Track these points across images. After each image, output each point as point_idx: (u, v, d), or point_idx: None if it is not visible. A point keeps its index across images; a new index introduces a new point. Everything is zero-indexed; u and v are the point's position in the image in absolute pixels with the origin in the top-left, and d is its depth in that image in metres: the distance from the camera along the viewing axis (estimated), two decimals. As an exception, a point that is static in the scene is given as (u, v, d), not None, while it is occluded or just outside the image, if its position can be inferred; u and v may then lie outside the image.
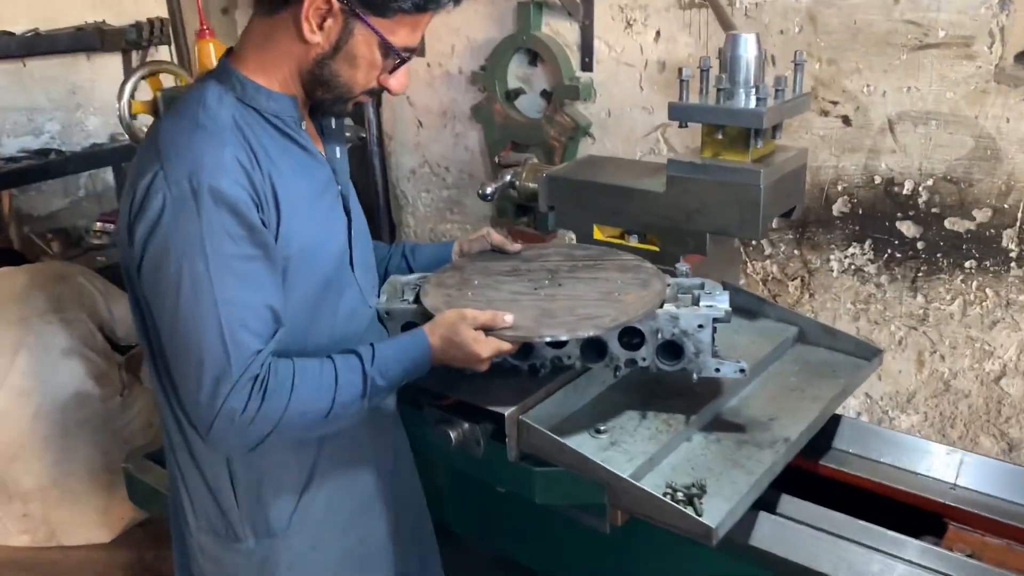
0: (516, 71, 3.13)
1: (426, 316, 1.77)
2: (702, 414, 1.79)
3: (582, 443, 1.69)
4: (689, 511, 1.52)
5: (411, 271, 1.99)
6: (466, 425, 1.75)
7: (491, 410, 1.68)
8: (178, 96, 1.56)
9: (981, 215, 2.41)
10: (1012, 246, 2.39)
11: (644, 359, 1.73)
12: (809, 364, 1.97)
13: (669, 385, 1.82)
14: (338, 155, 1.72)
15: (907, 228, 2.54)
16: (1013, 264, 2.40)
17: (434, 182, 3.52)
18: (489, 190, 2.30)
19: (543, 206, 2.22)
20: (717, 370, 1.71)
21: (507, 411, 1.68)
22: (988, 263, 2.43)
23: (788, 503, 1.65)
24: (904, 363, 2.64)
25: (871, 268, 2.63)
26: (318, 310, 1.61)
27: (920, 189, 2.49)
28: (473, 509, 2.07)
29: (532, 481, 1.71)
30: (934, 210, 2.48)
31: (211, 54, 2.44)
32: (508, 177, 2.34)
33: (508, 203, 3.20)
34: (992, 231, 2.41)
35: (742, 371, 1.71)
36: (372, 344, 1.59)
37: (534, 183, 2.26)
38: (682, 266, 1.91)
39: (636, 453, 1.66)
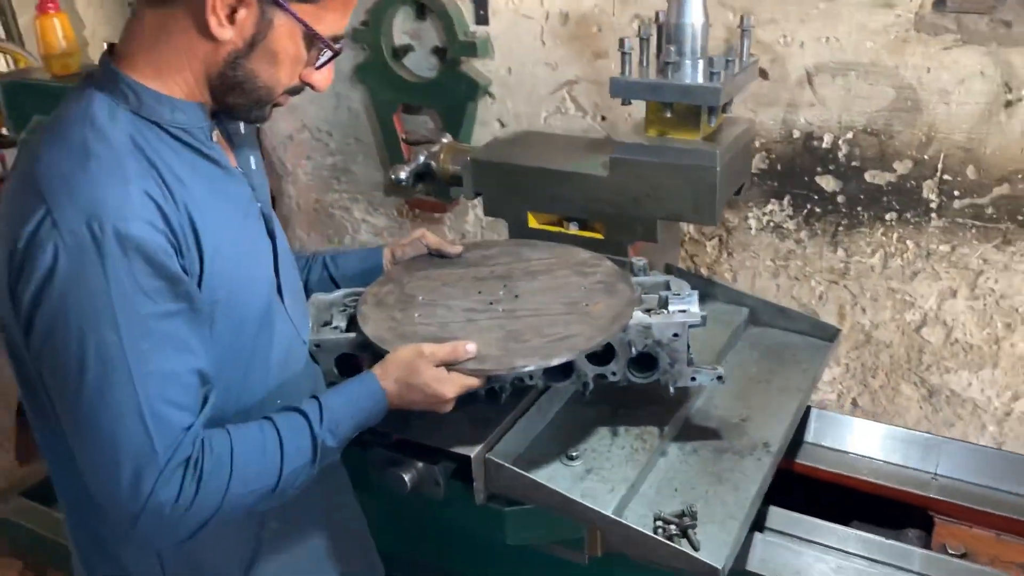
0: (403, 26, 2.81)
1: (365, 347, 1.52)
2: (674, 423, 1.63)
3: (555, 474, 1.51)
4: (686, 547, 1.37)
5: (335, 284, 1.73)
6: (421, 465, 1.53)
7: (454, 452, 1.47)
8: (58, 116, 1.22)
9: (902, 167, 2.33)
10: (932, 197, 2.32)
11: (614, 373, 1.55)
12: (767, 349, 1.84)
13: (632, 389, 1.65)
14: (253, 165, 1.42)
15: (827, 183, 2.44)
16: (933, 215, 2.34)
17: (316, 148, 3.18)
18: (403, 175, 2.03)
19: (469, 193, 1.97)
20: (693, 379, 1.55)
21: (472, 451, 1.47)
22: (909, 215, 2.37)
23: (776, 516, 1.53)
24: (825, 317, 2.57)
25: (790, 224, 2.53)
26: (252, 358, 1.33)
27: (840, 142, 2.38)
28: (429, 542, 1.86)
29: (503, 522, 1.52)
30: (854, 163, 2.38)
31: (58, 33, 2.02)
32: (422, 158, 2.07)
33: (401, 170, 2.93)
34: (913, 183, 2.33)
35: (720, 379, 1.56)
36: (317, 398, 1.33)
37: (455, 165, 2.01)
38: (639, 261, 1.73)
39: (616, 480, 1.50)
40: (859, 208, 2.42)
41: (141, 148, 1.19)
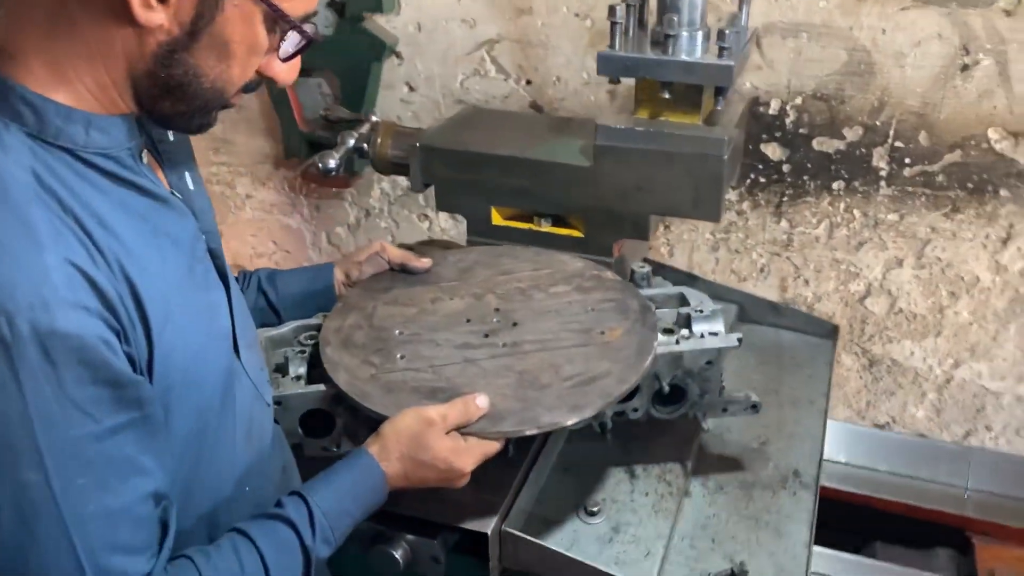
0: (292, -25, 2.36)
1: (339, 400, 1.19)
2: (693, 456, 1.40)
3: (577, 537, 1.24)
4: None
5: (273, 311, 1.36)
6: (414, 539, 1.22)
7: (468, 529, 1.16)
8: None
9: (852, 134, 2.16)
10: (882, 165, 2.17)
11: (636, 410, 1.28)
12: (762, 352, 1.63)
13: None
14: (190, 184, 1.03)
15: (772, 151, 2.24)
16: (883, 183, 2.19)
17: (189, 116, 2.69)
18: (332, 164, 1.66)
19: (417, 184, 1.63)
20: (725, 410, 1.31)
21: (488, 525, 1.17)
22: (857, 183, 2.21)
23: (819, 557, 1.33)
24: (767, 290, 2.40)
25: (732, 195, 2.32)
26: (216, 445, 0.97)
27: (788, 108, 2.18)
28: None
29: (519, 598, 1.24)
30: (802, 130, 2.19)
31: None
32: (351, 142, 1.70)
33: (297, 137, 2.51)
34: (862, 150, 2.17)
35: (754, 407, 1.32)
36: (303, 497, 0.99)
37: (397, 151, 1.65)
38: (641, 268, 1.46)
39: (648, 539, 1.24)
40: (805, 177, 2.24)
41: (51, 190, 0.80)
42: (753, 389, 1.56)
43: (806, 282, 2.36)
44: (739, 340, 1.26)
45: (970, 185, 2.11)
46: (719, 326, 1.29)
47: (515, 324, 1.27)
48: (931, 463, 1.50)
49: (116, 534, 0.81)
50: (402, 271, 1.41)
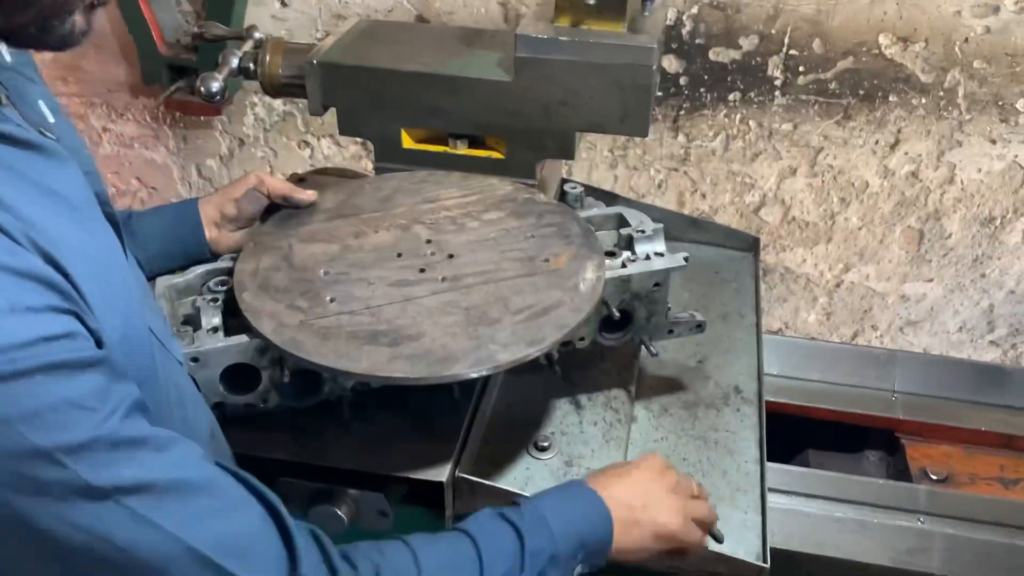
0: None
1: (263, 352, 1.05)
2: (635, 381, 1.34)
3: (531, 475, 1.16)
4: (719, 547, 1.10)
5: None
6: (355, 492, 1.11)
7: (425, 480, 1.06)
8: None
9: (747, 43, 2.12)
10: (777, 74, 2.14)
11: (583, 339, 1.21)
12: (687, 268, 1.58)
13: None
14: (49, 116, 0.85)
15: (669, 63, 2.17)
16: (777, 93, 2.17)
17: (27, 40, 2.37)
18: (216, 86, 1.46)
19: (316, 107, 1.46)
20: (671, 332, 1.26)
21: (442, 473, 1.07)
22: (752, 94, 2.18)
23: (771, 472, 1.30)
24: (665, 204, 2.37)
25: (629, 109, 2.26)
26: (157, 420, 0.82)
27: (684, 18, 2.11)
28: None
29: (475, 543, 1.15)
30: (698, 41, 2.13)
31: None
32: (235, 62, 1.50)
33: (156, 61, 2.25)
34: (758, 59, 2.13)
35: (699, 327, 1.27)
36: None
37: (291, 70, 1.47)
38: (574, 189, 1.37)
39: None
40: (702, 90, 2.20)
41: None
42: (684, 308, 1.51)
43: (703, 195, 2.34)
44: (686, 259, 1.20)
45: (861, 92, 2.12)
46: (662, 246, 1.22)
47: (451, 256, 1.16)
48: (859, 369, 1.51)
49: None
50: (285, 205, 1.26)
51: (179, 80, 2.30)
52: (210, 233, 1.24)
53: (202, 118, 2.41)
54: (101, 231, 0.79)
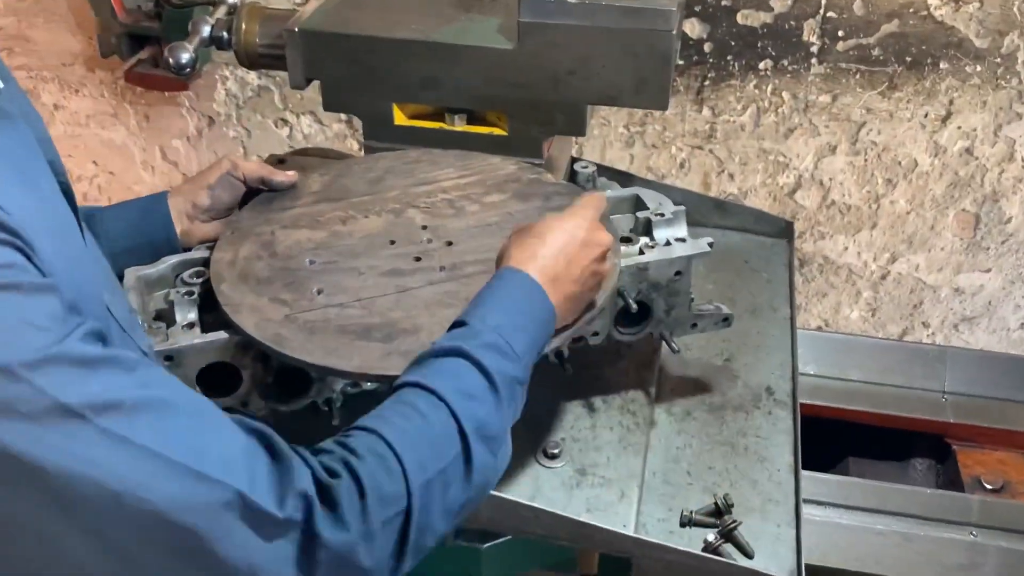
0: None
1: (245, 349, 1.10)
2: (655, 380, 1.38)
3: (540, 485, 1.20)
4: (745, 562, 1.15)
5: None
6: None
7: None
8: None
9: (780, 4, 2.15)
10: (814, 39, 2.18)
11: (596, 334, 1.25)
12: (712, 256, 1.61)
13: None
14: None
15: (692, 28, 2.21)
16: (814, 60, 2.20)
17: (-29, 7, 2.42)
18: (186, 57, 1.50)
19: (297, 80, 1.50)
20: (694, 326, 1.30)
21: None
22: (786, 62, 2.22)
23: (806, 482, 1.34)
24: (688, 187, 2.40)
25: (647, 80, 2.30)
26: None
27: (708, -24, 2.16)
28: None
29: (478, 561, 1.20)
30: (724, 2, 2.17)
31: None
32: (207, 29, 1.54)
33: (115, 30, 2.29)
34: (792, 23, 2.17)
35: (726, 320, 1.31)
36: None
37: (269, 39, 1.52)
38: (585, 168, 1.41)
39: (620, 479, 1.22)
40: (729, 57, 2.23)
41: None
42: (709, 300, 1.56)
43: (731, 176, 2.38)
44: (710, 245, 1.24)
45: (908, 59, 2.15)
46: (683, 230, 1.26)
47: (450, 243, 1.20)
48: (905, 368, 1.55)
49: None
50: (263, 189, 1.30)
51: (141, 51, 2.34)
52: (181, 226, 1.28)
53: (167, 94, 2.46)
54: (53, 199, 0.84)
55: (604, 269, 1.07)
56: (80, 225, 0.91)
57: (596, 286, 1.07)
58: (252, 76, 2.41)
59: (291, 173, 1.34)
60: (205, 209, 1.29)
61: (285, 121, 2.48)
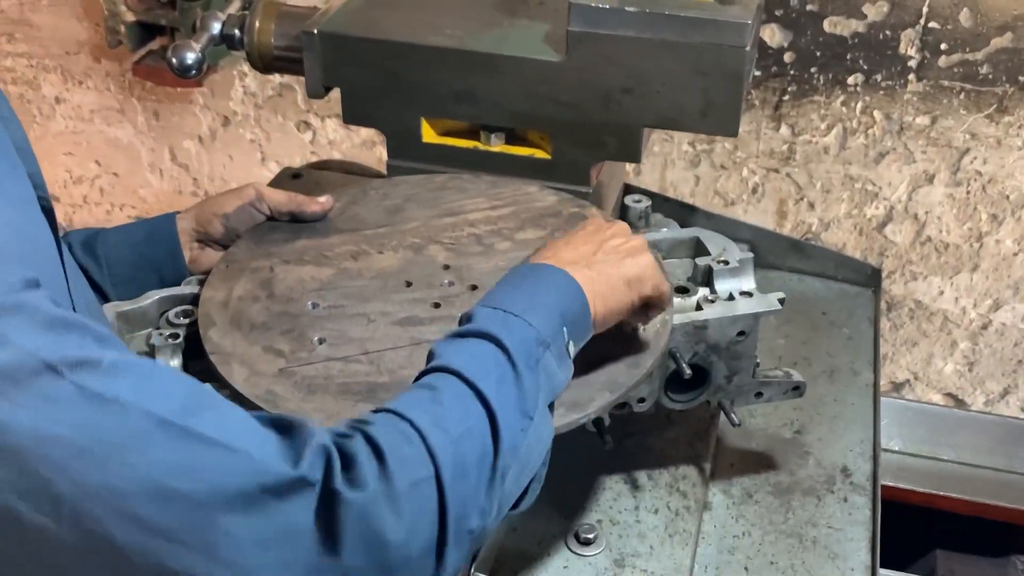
0: None
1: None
2: (711, 454, 1.31)
3: (572, 575, 1.14)
4: None
5: (97, 290, 1.20)
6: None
7: None
8: None
9: (874, 11, 2.08)
10: (912, 52, 2.11)
11: (643, 400, 1.18)
12: (784, 306, 1.55)
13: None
14: None
15: (771, 35, 2.15)
16: (912, 77, 2.13)
17: (-33, -12, 2.43)
18: (191, 58, 1.46)
19: (315, 87, 1.45)
20: (760, 395, 1.23)
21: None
22: (879, 77, 2.15)
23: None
24: (760, 216, 2.35)
25: (718, 92, 2.24)
26: None
27: (792, -23, 2.10)
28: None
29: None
30: (810, 7, 2.11)
31: None
32: (217, 26, 1.50)
33: (124, 18, 2.29)
34: (887, 33, 2.10)
35: (797, 389, 1.24)
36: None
37: (285, 40, 1.47)
38: (638, 203, 1.35)
39: (663, 571, 1.14)
40: (813, 70, 2.17)
41: None
42: (778, 358, 1.49)
43: (811, 205, 2.32)
44: (781, 302, 1.17)
45: (1021, 78, 2.07)
46: (751, 282, 1.19)
47: (474, 287, 1.14)
48: (1006, 447, 1.46)
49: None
50: (290, 220, 1.26)
51: (151, 41, 2.33)
52: (190, 253, 1.25)
53: (178, 89, 2.45)
54: (28, 210, 0.81)
55: (632, 244, 1.04)
56: (60, 249, 0.88)
57: (626, 257, 1.03)
58: (274, 75, 2.38)
59: (325, 199, 1.29)
60: (217, 239, 1.26)
61: (308, 124, 2.45)
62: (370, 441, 0.76)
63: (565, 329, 0.94)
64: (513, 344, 0.88)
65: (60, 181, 2.64)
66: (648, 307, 1.04)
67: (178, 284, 1.21)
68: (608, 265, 1.00)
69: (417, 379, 0.88)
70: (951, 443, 1.48)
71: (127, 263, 1.22)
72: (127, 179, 2.63)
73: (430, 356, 0.90)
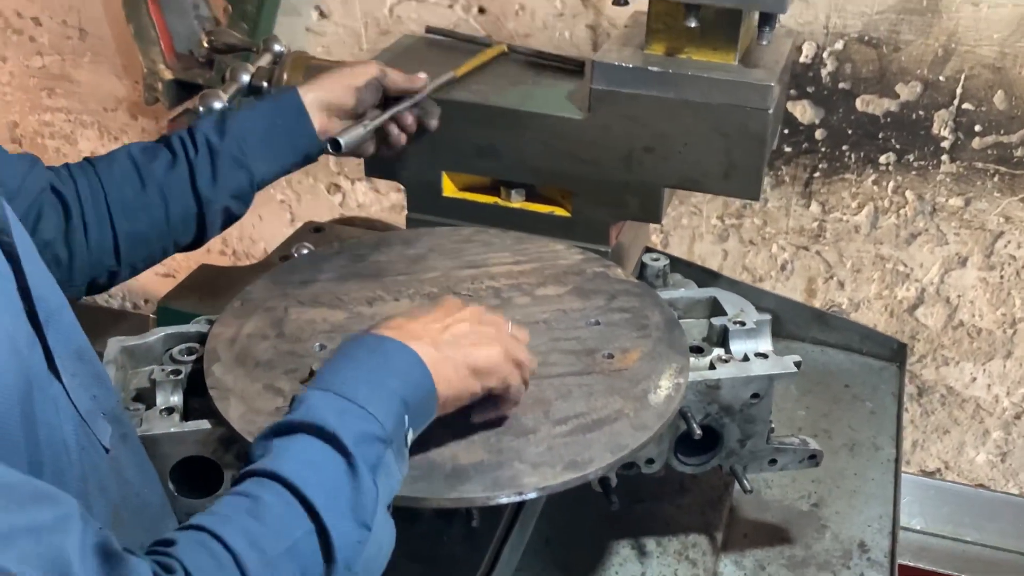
0: None
1: (230, 444, 1.03)
2: (724, 523, 1.27)
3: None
4: None
5: (243, 171, 1.24)
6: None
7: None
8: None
9: (907, 91, 2.08)
10: (945, 133, 2.09)
11: (652, 461, 1.15)
12: (807, 379, 1.52)
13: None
14: None
15: (802, 111, 2.15)
16: (944, 157, 2.11)
17: (15, 44, 2.50)
18: (217, 106, 1.48)
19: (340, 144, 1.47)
20: (774, 462, 1.19)
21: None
22: (911, 157, 2.13)
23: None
24: (788, 293, 2.32)
25: (748, 167, 2.24)
26: None
27: (825, 56, 2.09)
28: None
29: None
30: (843, 85, 2.10)
31: None
32: (246, 78, 1.52)
33: (162, 76, 2.33)
34: (920, 113, 2.09)
35: (813, 458, 1.20)
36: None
37: (310, 94, 1.49)
38: (655, 261, 1.34)
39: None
40: (844, 147, 2.16)
41: None
42: (798, 430, 1.45)
43: (840, 284, 2.28)
44: (797, 365, 1.14)
45: (1058, 162, 2.05)
46: (767, 344, 1.17)
47: (489, 342, 1.13)
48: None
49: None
50: (400, 96, 1.34)
51: (188, 100, 2.36)
52: (320, 123, 1.29)
53: (213, 147, 2.47)
54: None
55: (484, 331, 0.98)
56: (30, 299, 0.84)
57: (477, 345, 0.97)
58: (306, 135, 2.41)
59: (421, 76, 1.36)
60: (347, 110, 1.31)
61: (338, 187, 2.47)
62: (184, 569, 0.72)
63: (407, 417, 0.89)
64: (351, 442, 0.82)
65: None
66: (496, 399, 0.99)
67: (309, 154, 1.28)
68: (454, 348, 0.95)
69: (239, 480, 0.82)
70: (976, 525, 1.42)
71: (258, 134, 1.25)
72: (157, 236, 2.65)
73: (256, 446, 0.84)
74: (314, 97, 1.29)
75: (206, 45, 1.63)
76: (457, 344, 0.95)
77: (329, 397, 0.85)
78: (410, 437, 0.89)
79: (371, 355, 0.91)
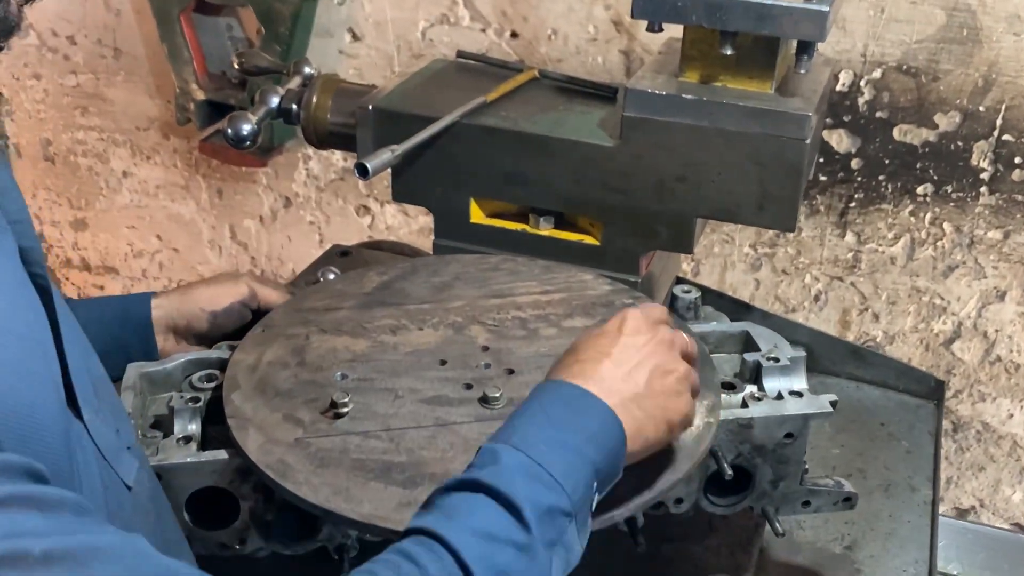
0: None
1: (247, 475, 1.01)
2: (754, 566, 1.23)
3: None
4: None
5: None
6: None
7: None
8: None
9: (946, 121, 2.04)
10: (985, 164, 2.05)
11: (680, 501, 1.12)
12: (841, 414, 1.47)
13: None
14: None
15: (838, 140, 2.11)
16: (984, 189, 2.07)
17: (50, 62, 2.50)
18: (247, 129, 1.45)
19: (368, 170, 1.45)
20: (806, 504, 1.15)
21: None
22: (949, 188, 2.09)
23: None
24: (822, 324, 2.28)
25: (782, 196, 2.20)
26: None
27: (862, 84, 2.06)
28: None
29: None
30: (879, 114, 2.07)
31: None
32: (276, 100, 1.51)
33: (195, 96, 2.33)
34: (959, 144, 2.05)
35: (848, 500, 1.16)
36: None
37: (339, 116, 1.47)
38: (687, 294, 1.30)
39: None
40: (881, 177, 2.13)
41: None
42: (832, 469, 1.41)
43: (875, 317, 2.24)
44: (833, 404, 1.10)
45: (1099, 195, 2.01)
46: (802, 382, 1.13)
47: (511, 371, 1.10)
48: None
49: None
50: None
51: (220, 120, 2.36)
52: (163, 343, 1.21)
53: (243, 169, 2.47)
54: (14, 296, 0.76)
55: (680, 372, 0.94)
56: (58, 330, 0.82)
57: (674, 397, 0.93)
58: (337, 156, 2.40)
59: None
60: (199, 334, 1.23)
61: (367, 209, 2.46)
62: None
63: (595, 483, 0.84)
64: (535, 517, 0.78)
65: (121, 254, 2.67)
66: None
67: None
68: (654, 401, 0.90)
69: (405, 535, 0.79)
70: (1014, 571, 1.37)
71: (96, 340, 1.08)
72: (186, 255, 2.64)
73: (432, 499, 0.81)
74: (161, 313, 1.21)
75: (236, 67, 1.62)
76: (655, 398, 0.91)
77: (520, 458, 0.81)
78: (594, 503, 0.86)
79: (568, 413, 0.86)
